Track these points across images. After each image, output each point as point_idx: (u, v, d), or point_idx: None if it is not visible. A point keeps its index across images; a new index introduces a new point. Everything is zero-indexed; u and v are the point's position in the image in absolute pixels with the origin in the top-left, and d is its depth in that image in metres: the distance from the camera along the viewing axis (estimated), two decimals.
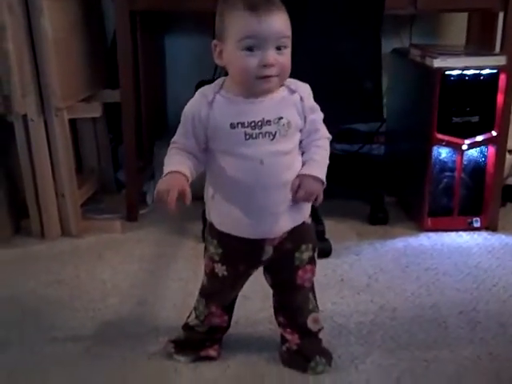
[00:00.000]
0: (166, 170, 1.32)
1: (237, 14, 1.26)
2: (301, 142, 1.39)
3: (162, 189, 1.26)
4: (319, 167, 1.37)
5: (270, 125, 1.31)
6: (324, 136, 1.41)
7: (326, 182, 1.37)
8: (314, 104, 1.39)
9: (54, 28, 2.11)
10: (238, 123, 1.31)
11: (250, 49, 1.26)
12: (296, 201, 1.36)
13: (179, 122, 1.38)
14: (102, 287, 1.91)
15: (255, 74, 1.27)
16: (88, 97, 2.40)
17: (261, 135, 1.31)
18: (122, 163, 2.58)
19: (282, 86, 1.35)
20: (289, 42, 1.29)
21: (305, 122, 1.37)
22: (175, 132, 1.39)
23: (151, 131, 2.68)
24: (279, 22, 1.26)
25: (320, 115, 1.40)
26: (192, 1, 2.23)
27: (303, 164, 1.38)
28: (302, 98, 1.35)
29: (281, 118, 1.32)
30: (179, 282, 1.94)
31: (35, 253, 2.16)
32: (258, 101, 1.32)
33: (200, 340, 1.53)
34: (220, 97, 1.33)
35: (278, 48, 1.27)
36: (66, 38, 2.23)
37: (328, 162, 1.40)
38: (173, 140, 1.38)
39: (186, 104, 1.37)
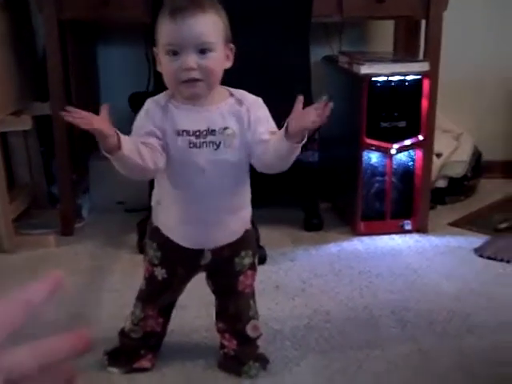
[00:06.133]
0: None
1: (162, 20, 1.28)
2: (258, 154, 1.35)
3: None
4: None
5: (214, 135, 1.32)
6: None
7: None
8: (264, 116, 1.36)
9: None
10: (183, 131, 1.32)
11: (174, 53, 1.27)
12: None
13: None
14: None
15: (179, 78, 1.28)
16: (18, 110, 2.36)
17: (205, 144, 1.32)
18: (56, 177, 2.54)
19: (230, 96, 1.36)
20: (216, 46, 1.28)
21: (252, 133, 1.34)
22: None
23: (85, 143, 2.65)
24: (199, 26, 1.26)
25: (271, 124, 1.37)
26: (120, 10, 2.21)
27: (277, 137, 1.31)
28: (248, 110, 1.35)
29: (226, 128, 1.33)
30: (115, 293, 1.93)
31: None
32: (204, 109, 1.33)
33: (134, 348, 1.53)
34: (171, 105, 1.34)
35: (202, 51, 1.27)
36: None
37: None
38: None
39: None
